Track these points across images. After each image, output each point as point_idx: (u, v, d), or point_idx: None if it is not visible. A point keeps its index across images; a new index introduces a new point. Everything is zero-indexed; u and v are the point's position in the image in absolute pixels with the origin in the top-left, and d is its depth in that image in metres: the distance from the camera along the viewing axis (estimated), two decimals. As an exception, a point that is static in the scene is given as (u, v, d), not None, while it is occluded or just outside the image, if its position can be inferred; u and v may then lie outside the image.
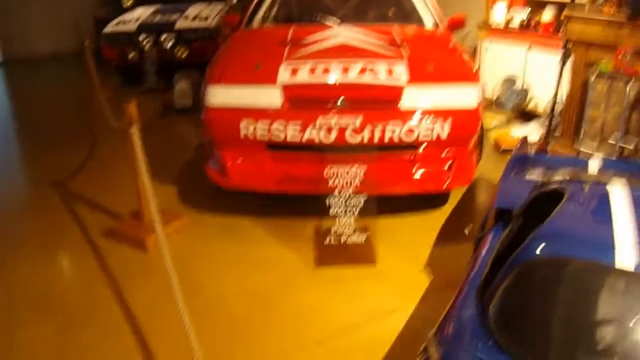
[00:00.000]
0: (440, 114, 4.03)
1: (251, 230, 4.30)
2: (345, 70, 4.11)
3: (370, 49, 4.49)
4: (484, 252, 3.02)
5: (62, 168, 5.63)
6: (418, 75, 4.13)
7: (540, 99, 6.62)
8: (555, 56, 5.67)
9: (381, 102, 4.05)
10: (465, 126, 4.14)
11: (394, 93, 4.04)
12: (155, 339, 3.21)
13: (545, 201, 3.00)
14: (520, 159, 4.03)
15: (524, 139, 4.54)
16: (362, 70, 4.11)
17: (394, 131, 3.98)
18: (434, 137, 4.05)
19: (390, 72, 4.10)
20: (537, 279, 2.35)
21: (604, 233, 2.44)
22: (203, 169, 4.46)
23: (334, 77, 4.08)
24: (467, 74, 4.26)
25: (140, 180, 3.79)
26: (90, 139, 6.53)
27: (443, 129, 4.03)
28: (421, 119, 4.00)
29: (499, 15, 7.10)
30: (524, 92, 6.77)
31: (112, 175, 5.33)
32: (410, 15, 5.64)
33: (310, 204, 3.90)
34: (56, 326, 3.35)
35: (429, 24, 5.45)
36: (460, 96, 4.11)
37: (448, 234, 4.19)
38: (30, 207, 4.96)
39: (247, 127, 4.01)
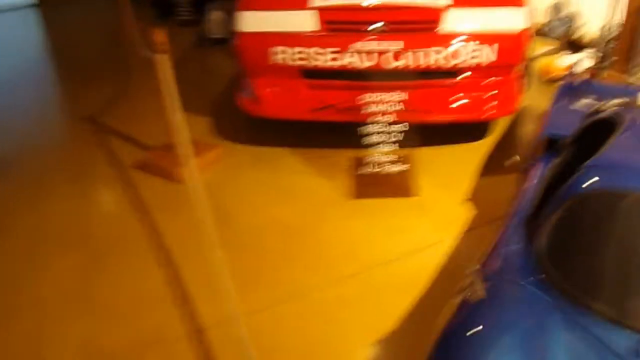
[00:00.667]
0: (483, 38, 3.79)
1: (285, 160, 4.17)
2: (384, -9, 3.87)
3: None
4: (532, 182, 2.85)
5: (95, 101, 5.54)
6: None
7: (589, 26, 6.25)
8: None
9: (421, 24, 3.83)
10: (510, 52, 3.90)
11: (435, 15, 3.82)
12: (186, 270, 3.15)
13: (598, 130, 2.81)
14: (570, 87, 3.80)
15: (574, 66, 4.28)
16: (402, -9, 3.86)
17: (435, 56, 3.77)
18: (480, 62, 3.83)
19: None
20: (589, 212, 2.17)
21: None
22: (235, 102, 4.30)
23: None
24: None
25: (171, 109, 3.65)
26: (123, 72, 6.41)
27: (486, 55, 3.81)
28: (463, 43, 3.77)
29: None
30: (572, 19, 6.40)
31: (144, 107, 5.20)
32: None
33: (347, 134, 3.73)
34: (86, 258, 3.32)
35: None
36: (506, 20, 3.86)
37: (490, 166, 4.00)
38: (63, 140, 4.90)
39: (280, 53, 3.84)
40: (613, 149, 2.42)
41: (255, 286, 3.00)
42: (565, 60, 5.86)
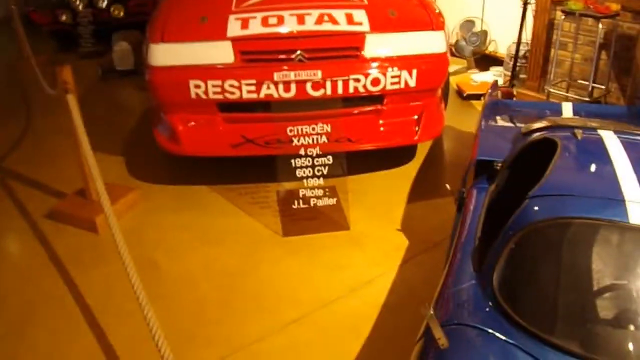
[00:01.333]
0: (403, 63, 3.75)
1: (209, 199, 3.95)
2: (301, 19, 3.76)
3: None
4: (470, 211, 2.76)
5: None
6: (380, 23, 3.82)
7: (500, 41, 6.36)
8: None
9: (340, 51, 3.74)
10: (434, 73, 3.88)
11: (354, 42, 3.73)
12: (113, 330, 2.88)
13: (532, 152, 2.76)
14: (494, 106, 3.78)
15: (495, 84, 4.29)
16: (319, 19, 3.76)
17: (359, 82, 3.68)
18: (402, 87, 3.76)
19: (350, 19, 3.76)
20: (542, 244, 2.09)
21: (610, 187, 2.18)
22: (151, 136, 4.05)
23: (288, 27, 3.72)
24: (432, 20, 3.94)
25: (82, 153, 3.40)
26: (25, 110, 6.02)
27: (411, 77, 3.76)
28: (387, 67, 3.70)
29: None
30: (484, 35, 6.48)
31: (52, 149, 4.86)
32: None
33: (271, 167, 3.57)
34: (1, 330, 2.98)
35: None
36: (425, 43, 3.84)
37: (420, 190, 3.94)
38: None
39: (197, 87, 3.63)
40: (555, 175, 2.36)
41: (191, 344, 2.77)
42: (480, 76, 5.93)
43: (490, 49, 6.50)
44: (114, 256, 2.71)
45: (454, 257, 2.40)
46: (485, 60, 6.37)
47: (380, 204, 3.77)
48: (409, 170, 4.17)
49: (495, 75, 6.08)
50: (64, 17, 7.83)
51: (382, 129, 3.88)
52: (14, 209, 4.02)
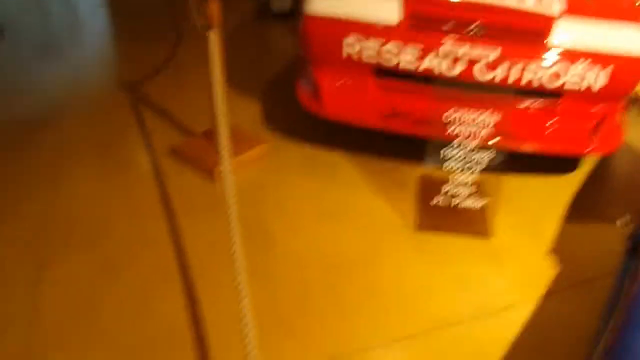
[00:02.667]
0: (598, 58, 3.12)
1: (341, 168, 3.57)
2: (486, -15, 3.23)
3: None
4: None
5: (141, 66, 5.00)
6: (577, 5, 3.20)
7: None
8: None
9: (526, 33, 3.16)
10: (627, 78, 3.24)
11: (543, 24, 3.16)
12: (205, 299, 2.61)
13: None
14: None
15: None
16: (508, -12, 3.21)
17: (536, 72, 3.11)
18: (583, 87, 3.17)
19: None
20: None
21: None
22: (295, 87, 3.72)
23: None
24: (638, 11, 3.29)
25: (215, 94, 3.11)
26: (174, 38, 5.87)
27: (597, 78, 3.14)
28: (573, 61, 3.11)
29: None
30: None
31: (191, 82, 4.65)
32: None
33: (419, 147, 3.13)
34: (95, 264, 2.81)
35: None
36: (628, 39, 3.18)
37: (580, 209, 3.36)
38: (97, 108, 4.33)
39: (352, 45, 3.22)
40: None
41: (285, 335, 2.45)
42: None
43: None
44: (225, 215, 2.45)
45: (628, 316, 1.89)
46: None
47: (530, 215, 3.25)
48: (571, 183, 3.58)
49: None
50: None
51: (550, 131, 3.32)
52: (139, 140, 3.85)
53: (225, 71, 3.20)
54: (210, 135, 3.59)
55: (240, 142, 3.47)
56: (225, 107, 3.02)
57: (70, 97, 4.47)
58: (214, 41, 3.07)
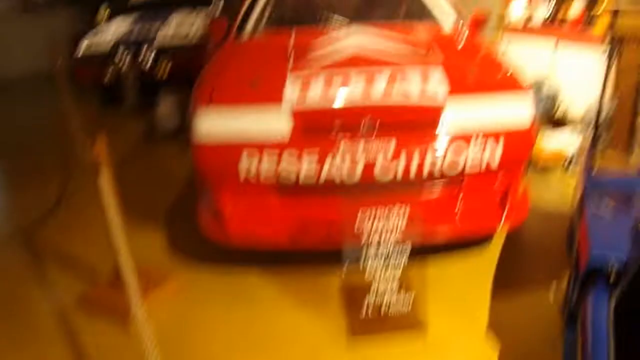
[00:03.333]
0: (490, 133, 3.20)
1: (262, 289, 3.43)
2: (369, 81, 3.28)
3: (394, 52, 3.65)
4: (589, 330, 2.20)
5: (31, 209, 4.74)
6: (460, 84, 3.30)
7: (572, 103, 5.82)
8: (588, 54, 5.25)
9: (417, 123, 3.20)
10: (521, 147, 3.35)
11: (433, 111, 3.21)
12: None
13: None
14: (595, 185, 3.21)
15: (590, 156, 3.73)
16: (391, 81, 3.27)
17: (434, 163, 3.13)
18: (483, 166, 3.22)
19: (425, 81, 3.26)
20: None
21: None
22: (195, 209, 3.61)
23: (355, 93, 3.24)
24: (515, 81, 3.43)
25: (114, 237, 2.94)
26: (64, 171, 5.63)
27: (494, 154, 3.21)
28: (467, 144, 3.16)
29: (518, 10, 6.29)
30: (553, 97, 5.94)
31: (88, 220, 4.41)
32: (427, 12, 4.82)
33: (334, 252, 3.06)
34: None
35: (448, 22, 4.62)
36: (513, 109, 3.30)
37: (505, 281, 3.38)
38: None
39: (248, 167, 3.14)
40: None
41: None
42: (553, 143, 5.39)
43: (561, 111, 5.95)
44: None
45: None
46: (555, 125, 5.81)
47: (459, 298, 3.23)
48: (489, 253, 3.62)
49: (569, 139, 5.53)
50: (108, 75, 7.55)
51: (460, 215, 3.33)
52: (43, 289, 3.59)
53: (121, 205, 3.04)
54: (118, 277, 3.38)
55: (151, 281, 3.30)
56: (126, 248, 2.84)
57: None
58: (105, 181, 2.92)
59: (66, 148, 6.19)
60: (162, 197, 4.79)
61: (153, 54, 7.58)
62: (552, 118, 5.84)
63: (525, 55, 6.12)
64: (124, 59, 7.47)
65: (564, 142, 5.45)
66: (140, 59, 7.54)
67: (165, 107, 6.28)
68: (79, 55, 7.76)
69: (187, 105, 6.19)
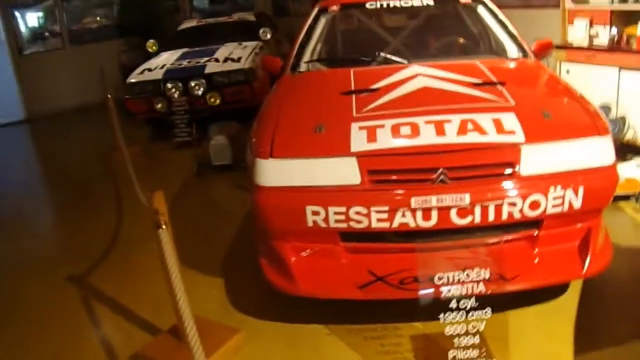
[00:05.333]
0: (572, 177, 2.98)
1: (328, 344, 3.21)
2: (440, 128, 3.07)
3: (462, 93, 3.45)
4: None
5: (82, 252, 4.67)
6: (536, 129, 3.08)
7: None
8: None
9: (491, 169, 3.00)
10: (604, 189, 3.11)
11: (510, 156, 3.00)
12: None
13: None
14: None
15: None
16: (462, 127, 3.07)
17: (514, 206, 2.93)
18: (565, 209, 3.00)
19: (499, 126, 3.06)
20: None
21: None
22: (255, 253, 3.46)
23: (426, 139, 3.04)
24: (595, 123, 3.19)
25: (174, 293, 2.81)
26: (116, 211, 5.58)
27: (577, 197, 2.99)
28: (548, 186, 2.94)
29: (579, 32, 6.03)
30: (622, 121, 5.67)
31: (142, 267, 4.32)
32: (490, 43, 4.63)
33: (407, 304, 2.91)
34: None
35: (514, 52, 4.40)
36: (592, 152, 3.08)
37: (588, 335, 3.11)
38: (44, 315, 3.90)
39: (315, 214, 2.97)
40: None
41: None
42: (628, 170, 5.11)
43: (629, 136, 5.67)
44: None
45: None
46: (623, 150, 5.51)
47: (542, 357, 2.98)
48: (567, 305, 3.35)
49: (640, 167, 5.24)
50: (159, 106, 7.61)
51: (537, 260, 3.11)
52: (96, 344, 3.46)
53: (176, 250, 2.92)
54: (177, 332, 3.25)
55: (212, 337, 3.14)
56: (188, 306, 2.69)
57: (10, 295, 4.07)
58: (165, 240, 2.79)
59: (117, 181, 6.21)
60: (218, 238, 4.65)
61: (203, 86, 7.57)
62: (621, 142, 5.56)
63: (589, 78, 5.88)
64: (173, 91, 7.46)
65: (635, 171, 5.17)
66: (189, 91, 7.53)
67: (218, 142, 6.18)
68: (130, 88, 7.79)
69: (239, 139, 6.17)
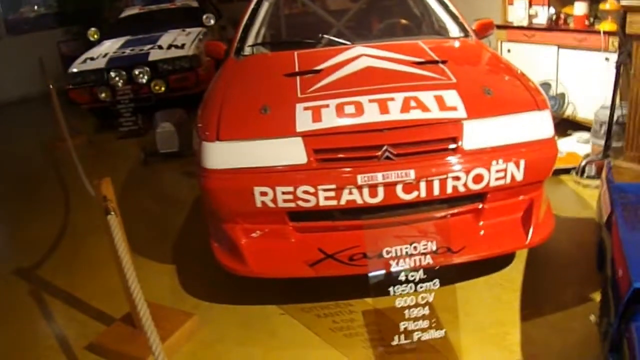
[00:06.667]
0: (512, 150, 3.07)
1: (281, 323, 3.25)
2: (384, 106, 3.12)
3: (404, 71, 3.51)
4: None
5: (30, 245, 4.59)
6: (477, 105, 3.16)
7: (580, 104, 5.70)
8: (594, 54, 5.21)
9: (437, 143, 3.06)
10: (544, 162, 3.21)
11: (453, 130, 3.07)
12: None
13: None
14: (621, 193, 3.09)
15: (609, 166, 3.60)
16: (406, 105, 3.12)
17: (459, 180, 3.00)
18: (507, 182, 3.09)
19: (442, 103, 3.12)
20: None
21: None
22: (206, 238, 3.47)
23: (370, 117, 3.08)
24: (534, 98, 3.27)
25: (127, 281, 2.79)
26: (63, 202, 5.50)
27: (518, 170, 3.07)
28: (490, 160, 3.03)
29: (519, 11, 6.16)
30: (561, 97, 5.83)
31: (93, 256, 4.28)
32: (432, 23, 4.70)
33: (352, 280, 2.97)
34: None
35: (455, 32, 4.47)
36: (532, 125, 3.17)
37: (533, 302, 3.23)
38: None
39: (263, 195, 2.99)
40: None
41: None
42: (566, 145, 5.27)
43: (569, 112, 5.84)
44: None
45: None
46: (563, 126, 5.68)
47: (490, 325, 3.07)
48: (512, 275, 3.47)
49: (579, 142, 5.42)
50: (103, 95, 7.50)
51: (483, 232, 3.20)
52: (50, 336, 3.41)
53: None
54: (131, 320, 3.24)
55: (166, 322, 3.15)
56: (140, 291, 2.68)
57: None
58: (115, 225, 2.77)
59: (63, 173, 6.10)
60: (167, 225, 4.64)
61: (147, 74, 7.48)
62: (560, 118, 5.71)
63: (530, 57, 6.02)
64: (117, 79, 7.35)
65: (575, 145, 5.34)
66: (133, 79, 7.44)
67: (164, 130, 6.12)
68: (72, 78, 7.65)
69: (185, 126, 6.13)
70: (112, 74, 7.43)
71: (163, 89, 7.56)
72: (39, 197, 5.87)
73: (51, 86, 6.88)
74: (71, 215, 5.18)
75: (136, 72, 7.48)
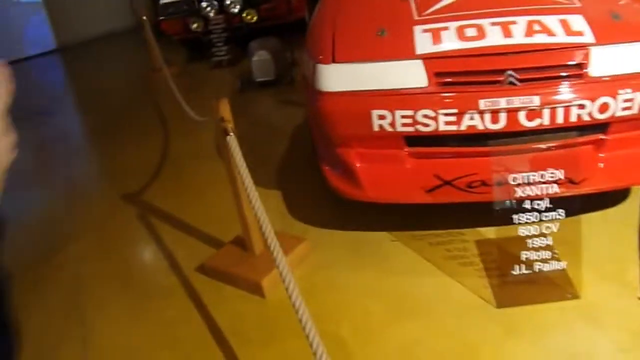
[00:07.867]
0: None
1: (393, 250, 3.22)
2: (506, 29, 2.99)
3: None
4: None
5: (134, 173, 4.71)
6: (605, 31, 2.99)
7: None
8: None
9: (563, 69, 2.91)
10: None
11: (579, 56, 2.92)
12: None
13: None
14: None
15: None
16: (529, 29, 2.98)
17: (583, 108, 2.85)
18: (635, 112, 2.92)
19: (567, 28, 2.96)
20: None
21: None
22: (310, 165, 3.50)
23: (493, 40, 2.96)
24: None
25: (245, 204, 2.83)
26: (162, 129, 5.60)
27: (643, 103, 2.88)
28: (618, 88, 2.86)
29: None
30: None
31: (194, 181, 4.36)
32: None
33: (472, 210, 2.97)
34: None
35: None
36: None
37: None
38: (106, 235, 3.97)
39: (381, 118, 2.93)
40: None
41: None
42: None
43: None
44: (289, 331, 2.37)
45: None
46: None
47: (608, 261, 2.96)
48: (629, 211, 3.31)
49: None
50: (195, 25, 7.51)
51: (603, 165, 3.05)
52: (161, 258, 3.51)
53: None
54: (241, 243, 3.29)
55: (282, 245, 3.17)
56: (263, 209, 2.66)
57: (73, 223, 4.14)
58: (234, 147, 2.78)
59: (160, 101, 6.20)
60: (270, 152, 4.66)
61: (238, 3, 7.44)
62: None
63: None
64: (209, 9, 7.35)
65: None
66: (225, 9, 7.43)
67: (261, 58, 6.10)
68: (164, 9, 7.71)
69: (281, 55, 6.09)
70: (204, 4, 7.44)
71: (255, 18, 7.52)
72: (138, 125, 6.00)
73: (144, 17, 6.96)
74: (171, 141, 5.27)
75: (228, 1, 7.46)
